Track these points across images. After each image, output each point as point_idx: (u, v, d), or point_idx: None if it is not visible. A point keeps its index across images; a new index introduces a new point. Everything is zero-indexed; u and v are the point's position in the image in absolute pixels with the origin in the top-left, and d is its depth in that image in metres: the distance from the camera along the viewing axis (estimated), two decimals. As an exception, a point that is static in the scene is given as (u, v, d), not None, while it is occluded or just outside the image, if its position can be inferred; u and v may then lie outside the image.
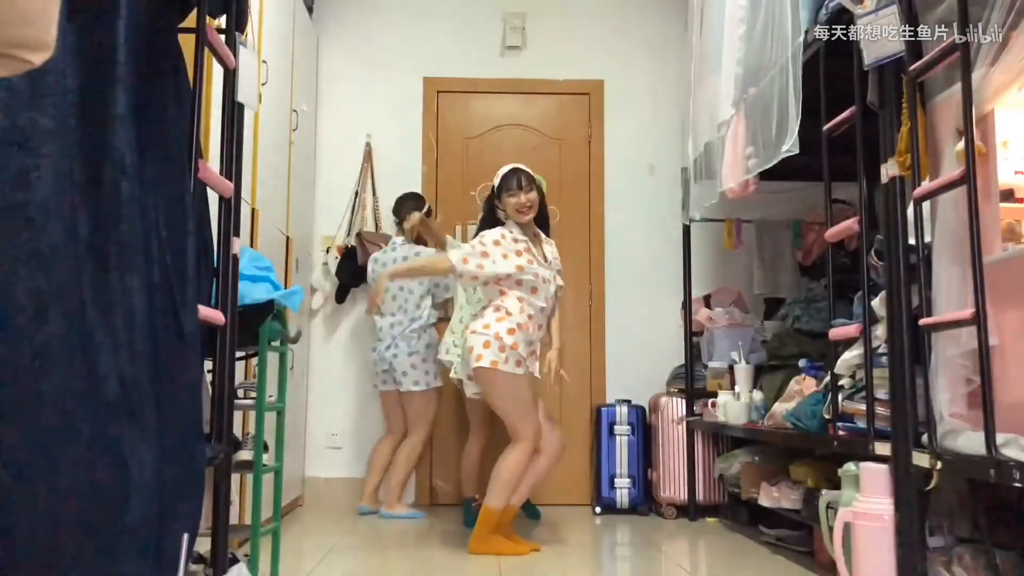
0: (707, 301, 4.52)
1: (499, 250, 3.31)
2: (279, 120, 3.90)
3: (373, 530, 3.89)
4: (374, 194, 4.76)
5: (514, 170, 3.46)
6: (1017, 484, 1.77)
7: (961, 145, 2.02)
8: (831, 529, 2.43)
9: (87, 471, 1.32)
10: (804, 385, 3.16)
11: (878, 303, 2.44)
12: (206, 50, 1.92)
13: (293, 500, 4.33)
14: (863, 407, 2.48)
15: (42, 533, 1.25)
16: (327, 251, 4.65)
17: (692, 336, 4.38)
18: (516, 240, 3.37)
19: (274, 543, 2.68)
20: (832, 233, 2.75)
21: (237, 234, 2.14)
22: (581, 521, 4.17)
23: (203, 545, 2.06)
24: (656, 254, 4.83)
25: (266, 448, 2.62)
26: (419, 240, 4.31)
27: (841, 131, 2.68)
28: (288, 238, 4.07)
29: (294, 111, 4.17)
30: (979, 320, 1.92)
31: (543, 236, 3.54)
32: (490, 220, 3.47)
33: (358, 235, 4.58)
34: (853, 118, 2.57)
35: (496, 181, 3.48)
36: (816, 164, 2.82)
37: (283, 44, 3.95)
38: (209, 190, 2.00)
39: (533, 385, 3.41)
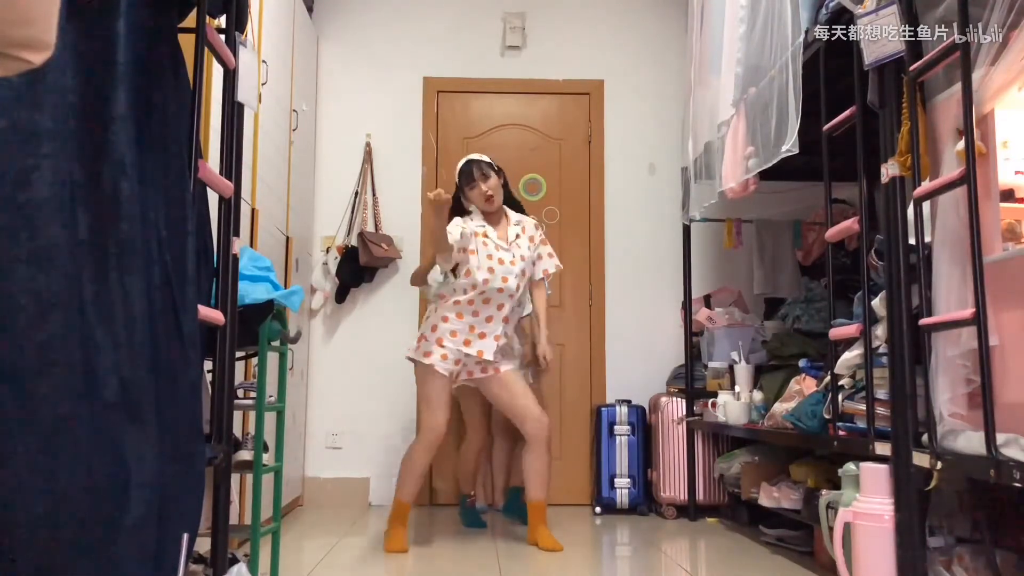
0: (707, 301, 4.52)
1: (456, 228, 3.47)
2: (279, 120, 3.90)
3: (373, 530, 3.89)
4: (374, 194, 4.76)
5: (469, 161, 3.61)
6: (1017, 484, 1.77)
7: (961, 145, 2.02)
8: (831, 529, 2.43)
9: (87, 471, 1.32)
10: (804, 385, 3.15)
11: (878, 303, 2.44)
12: (206, 50, 1.92)
13: (293, 500, 4.34)
14: (863, 407, 2.48)
15: (42, 533, 1.25)
16: (327, 251, 4.65)
17: (692, 336, 4.38)
18: (479, 229, 3.51)
19: (274, 543, 2.68)
20: (832, 233, 2.74)
21: (237, 234, 2.14)
22: (581, 521, 4.17)
23: (203, 545, 2.06)
24: (656, 254, 4.83)
25: (266, 448, 2.62)
26: None
27: (841, 131, 2.68)
28: (288, 238, 4.07)
29: (294, 111, 4.17)
30: (979, 320, 1.92)
31: (511, 217, 3.63)
32: (458, 213, 3.61)
33: (360, 235, 4.58)
34: (853, 118, 2.57)
35: (456, 178, 3.62)
36: (816, 164, 2.82)
37: (283, 44, 3.95)
38: (209, 190, 2.00)
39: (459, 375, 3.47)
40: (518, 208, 3.72)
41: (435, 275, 3.97)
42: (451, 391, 3.50)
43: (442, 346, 3.40)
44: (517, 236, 3.57)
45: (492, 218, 3.58)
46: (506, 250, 3.50)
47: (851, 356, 2.60)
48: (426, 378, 3.43)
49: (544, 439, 3.45)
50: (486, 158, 3.62)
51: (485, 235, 3.51)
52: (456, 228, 3.46)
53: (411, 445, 3.53)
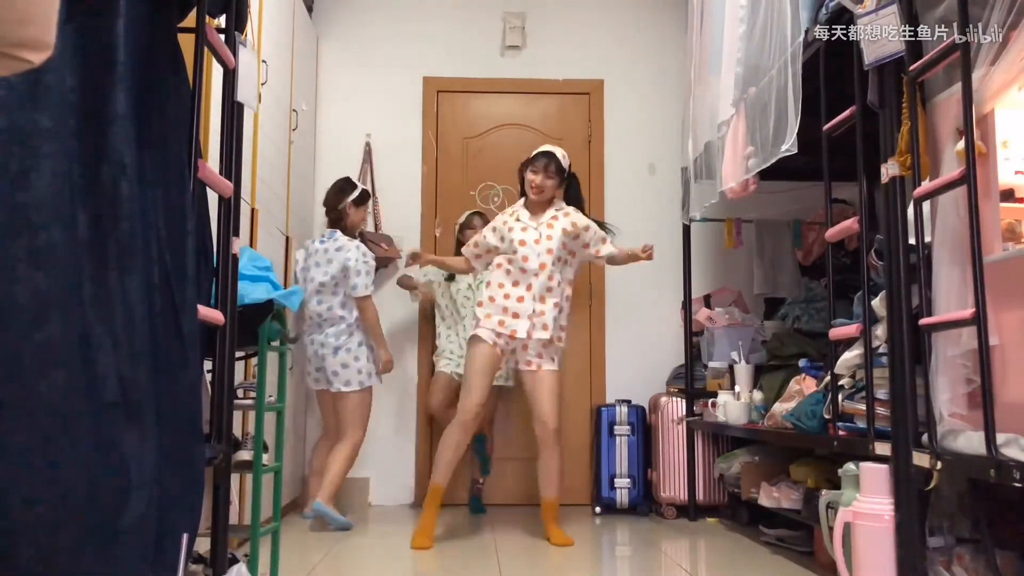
0: (707, 301, 4.52)
1: (490, 228, 3.73)
2: (279, 120, 3.90)
3: (373, 530, 3.89)
4: (374, 194, 4.76)
5: (546, 152, 3.69)
6: (1017, 484, 1.77)
7: (961, 145, 2.02)
8: (831, 529, 2.43)
9: (87, 471, 1.32)
10: (804, 385, 3.15)
11: (878, 303, 2.44)
12: (206, 50, 1.92)
13: (293, 500, 4.33)
14: (863, 407, 2.48)
15: (42, 533, 1.25)
16: (327, 251, 4.64)
17: (692, 336, 4.38)
18: (511, 215, 3.68)
19: (274, 543, 2.68)
20: (832, 233, 2.74)
21: (237, 234, 2.14)
22: (581, 521, 4.17)
23: (203, 545, 2.06)
24: (656, 254, 4.81)
25: (266, 448, 2.62)
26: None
27: (841, 131, 2.68)
28: (288, 238, 4.07)
29: (294, 111, 4.17)
30: (979, 320, 1.92)
31: (556, 204, 3.70)
32: (520, 189, 3.77)
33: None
34: (853, 118, 2.57)
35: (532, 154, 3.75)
36: (816, 164, 2.82)
37: (283, 44, 3.95)
38: (209, 190, 2.00)
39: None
40: (573, 203, 3.76)
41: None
42: (492, 377, 3.58)
43: (484, 328, 3.55)
44: (553, 218, 3.64)
45: (535, 207, 3.68)
46: (534, 229, 3.62)
47: (851, 356, 2.59)
48: (470, 351, 3.56)
49: (549, 442, 3.56)
50: (561, 153, 3.69)
51: (517, 218, 3.65)
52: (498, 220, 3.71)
53: (447, 427, 3.61)
